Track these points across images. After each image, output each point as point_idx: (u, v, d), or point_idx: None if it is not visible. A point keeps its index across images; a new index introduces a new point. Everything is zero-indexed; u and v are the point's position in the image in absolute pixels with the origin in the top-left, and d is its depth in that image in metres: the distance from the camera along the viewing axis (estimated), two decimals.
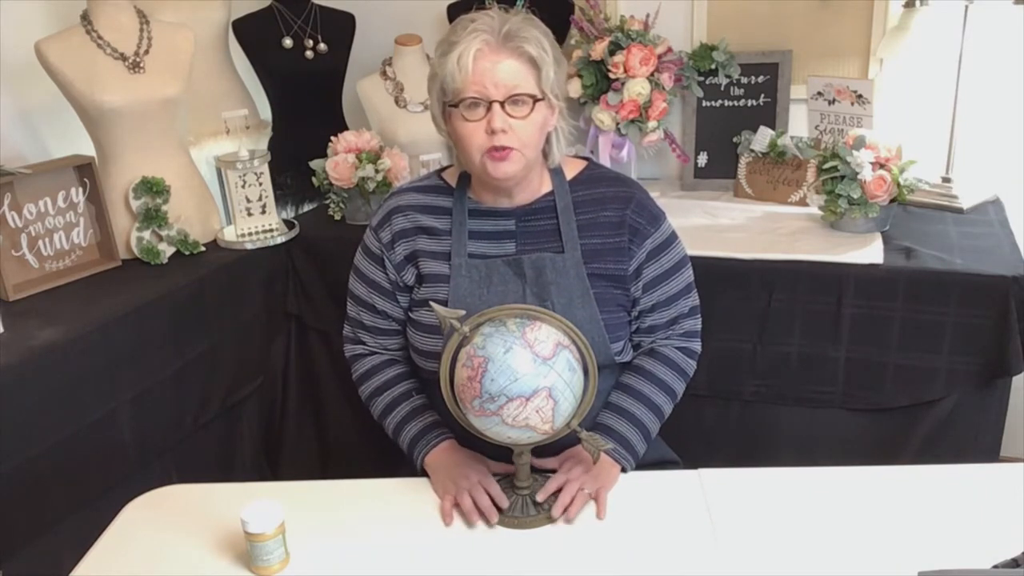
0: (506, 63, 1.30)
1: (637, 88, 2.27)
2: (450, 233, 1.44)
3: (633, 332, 1.48)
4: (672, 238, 1.47)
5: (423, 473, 1.40)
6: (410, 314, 1.48)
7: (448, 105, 1.34)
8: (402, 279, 1.47)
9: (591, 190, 1.45)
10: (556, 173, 1.45)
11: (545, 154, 1.42)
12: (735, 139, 2.42)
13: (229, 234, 2.21)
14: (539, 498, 1.28)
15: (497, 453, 1.34)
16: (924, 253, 1.92)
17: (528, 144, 1.33)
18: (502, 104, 1.30)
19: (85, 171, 1.98)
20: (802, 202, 2.28)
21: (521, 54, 1.31)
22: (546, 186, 1.45)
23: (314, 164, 2.29)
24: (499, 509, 1.28)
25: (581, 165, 1.49)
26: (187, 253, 2.10)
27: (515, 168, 1.34)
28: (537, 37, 1.32)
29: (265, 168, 2.20)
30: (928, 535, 1.19)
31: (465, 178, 1.46)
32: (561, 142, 1.43)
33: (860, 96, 2.29)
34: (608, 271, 1.42)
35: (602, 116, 2.33)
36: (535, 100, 1.32)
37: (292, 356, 2.36)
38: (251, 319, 2.17)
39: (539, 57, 1.32)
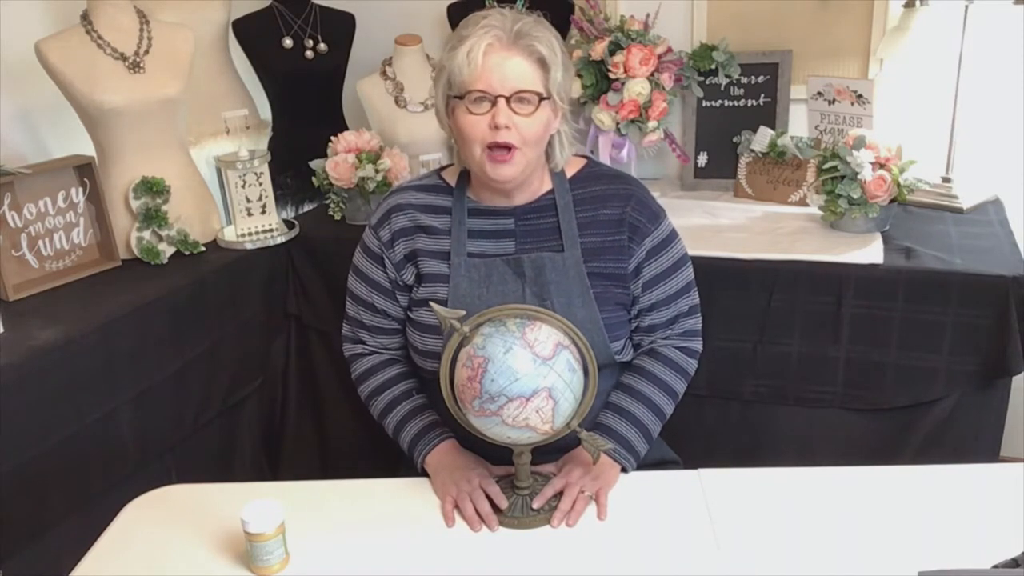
0: (515, 60, 1.31)
1: (637, 88, 2.28)
2: (449, 232, 1.43)
3: (633, 331, 1.48)
4: (672, 236, 1.47)
5: (423, 472, 1.40)
6: (409, 314, 1.48)
7: (453, 97, 1.35)
8: (402, 278, 1.47)
9: (591, 188, 1.45)
10: (557, 172, 1.46)
11: (548, 156, 1.43)
12: (735, 139, 2.42)
13: (229, 234, 2.21)
14: (535, 505, 1.27)
15: (497, 453, 1.34)
16: (924, 253, 1.92)
17: (530, 142, 1.34)
18: (508, 100, 1.30)
19: (85, 171, 1.98)
20: (802, 202, 2.28)
21: (531, 53, 1.32)
22: (546, 185, 1.45)
23: (314, 164, 2.29)
24: (499, 509, 1.28)
25: (581, 163, 1.49)
26: (187, 253, 2.10)
27: (515, 171, 1.34)
28: (548, 39, 1.33)
29: (265, 168, 2.20)
30: (928, 535, 1.19)
31: (464, 177, 1.46)
32: (564, 145, 1.43)
33: (860, 96, 2.29)
34: (608, 270, 1.42)
35: (602, 116, 2.33)
36: (540, 99, 1.33)
37: (292, 356, 2.36)
38: (251, 319, 2.17)
39: (548, 58, 1.33)
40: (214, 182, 2.31)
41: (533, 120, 1.32)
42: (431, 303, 1.24)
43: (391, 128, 2.46)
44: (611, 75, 2.30)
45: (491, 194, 1.43)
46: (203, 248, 2.13)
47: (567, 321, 1.20)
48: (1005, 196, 2.25)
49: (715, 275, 1.90)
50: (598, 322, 1.39)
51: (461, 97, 1.33)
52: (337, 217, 2.31)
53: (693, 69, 2.39)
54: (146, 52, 2.05)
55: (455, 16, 2.57)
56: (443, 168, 1.53)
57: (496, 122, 1.30)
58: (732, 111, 2.44)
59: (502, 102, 1.30)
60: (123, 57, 2.02)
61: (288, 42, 2.51)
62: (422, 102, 2.45)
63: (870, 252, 1.94)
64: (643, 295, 1.45)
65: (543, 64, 1.33)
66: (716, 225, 2.21)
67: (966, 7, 2.07)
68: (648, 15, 2.35)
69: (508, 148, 1.32)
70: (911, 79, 2.32)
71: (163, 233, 2.06)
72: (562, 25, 2.44)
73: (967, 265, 1.86)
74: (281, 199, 2.48)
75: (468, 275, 1.40)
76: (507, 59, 1.30)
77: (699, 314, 1.53)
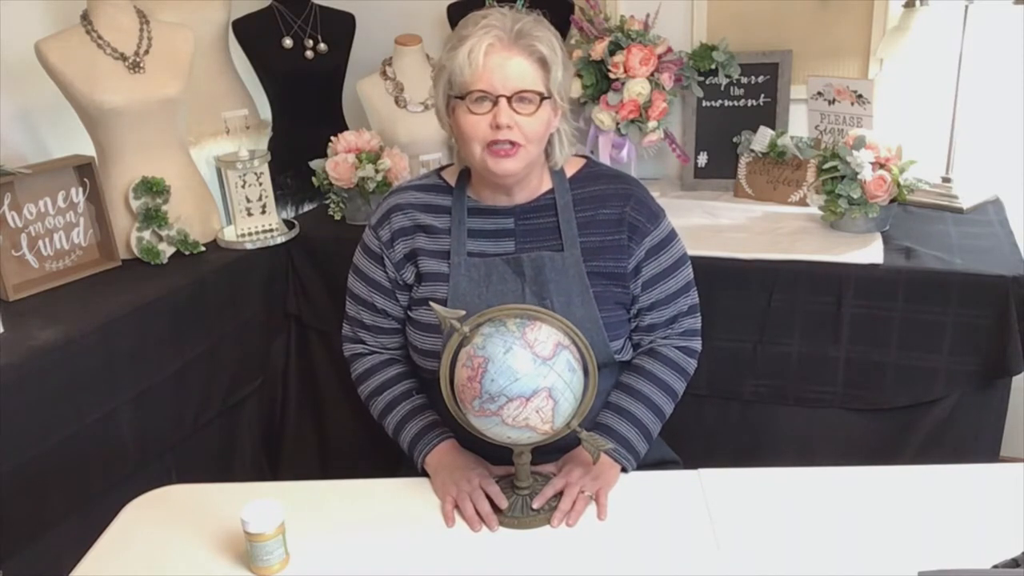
0: (516, 60, 1.31)
1: (637, 88, 2.27)
2: (449, 232, 1.44)
3: (632, 331, 1.48)
4: (671, 236, 1.47)
5: (423, 473, 1.40)
6: (409, 313, 1.48)
7: (454, 97, 1.35)
8: (401, 277, 1.47)
9: (590, 187, 1.45)
10: (556, 171, 1.46)
11: (547, 155, 1.43)
12: (735, 139, 2.42)
13: (229, 234, 2.21)
14: (535, 505, 1.27)
15: (497, 453, 1.34)
16: (924, 253, 1.92)
17: (532, 140, 1.34)
18: (509, 100, 1.31)
19: (85, 171, 1.98)
20: (802, 202, 2.28)
21: (531, 53, 1.32)
22: (546, 184, 1.45)
23: (314, 164, 2.29)
24: (499, 509, 1.28)
25: (580, 163, 1.50)
26: (187, 253, 2.10)
27: (517, 165, 1.35)
28: (548, 38, 1.34)
29: (265, 168, 2.20)
30: (928, 535, 1.19)
31: (464, 176, 1.47)
32: (564, 144, 1.43)
33: (860, 96, 2.29)
34: (607, 269, 1.42)
35: (602, 116, 2.33)
36: (542, 98, 1.33)
37: (292, 356, 2.36)
38: (251, 319, 2.17)
39: (549, 57, 1.33)
40: (214, 182, 2.31)
41: (534, 120, 1.33)
42: (431, 303, 1.24)
43: (391, 128, 2.46)
44: (611, 75, 2.30)
45: (492, 192, 1.44)
46: (203, 248, 2.13)
47: (567, 321, 1.20)
48: (1005, 196, 2.25)
49: (715, 275, 1.90)
50: (597, 321, 1.39)
51: (462, 97, 1.33)
52: (337, 217, 2.31)
53: (693, 69, 2.39)
54: (146, 52, 2.05)
55: (455, 16, 2.57)
56: (443, 168, 1.53)
57: (497, 122, 1.30)
58: (732, 111, 2.44)
59: (503, 102, 1.30)
60: (123, 57, 2.02)
61: (288, 42, 2.51)
62: (422, 102, 2.45)
63: (870, 252, 1.94)
64: (643, 294, 1.45)
65: (544, 64, 1.33)
66: (716, 225, 2.21)
67: (966, 7, 2.07)
68: (648, 15, 2.35)
69: (510, 143, 1.32)
70: (911, 79, 2.32)
71: (163, 233, 2.06)
72: (562, 25, 2.44)
73: (967, 265, 1.86)
74: (281, 199, 2.48)
75: (468, 274, 1.40)
76: (508, 59, 1.31)
77: (698, 314, 1.53)
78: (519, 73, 1.31)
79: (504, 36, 1.31)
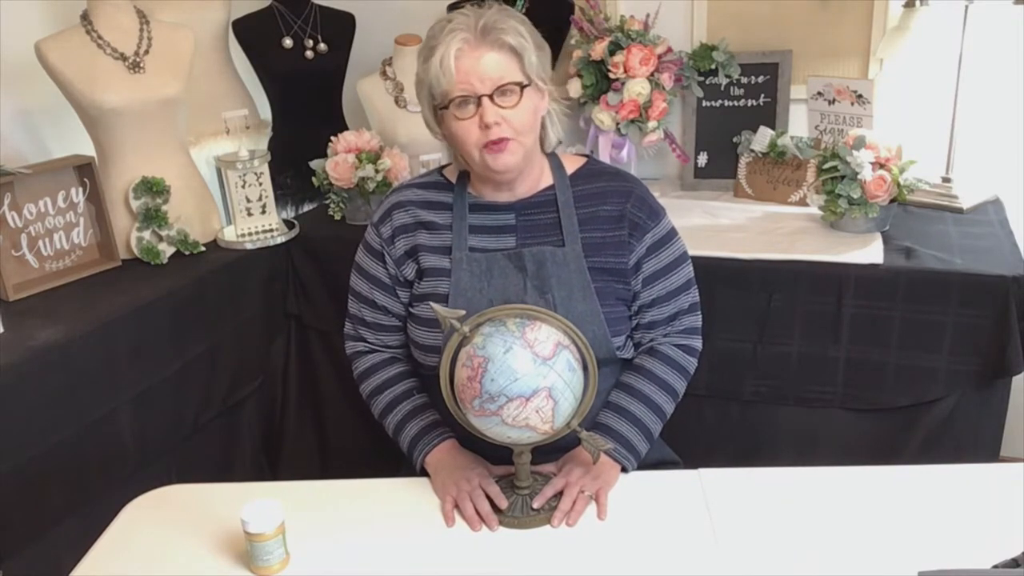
0: (488, 57, 1.32)
1: (637, 88, 2.28)
2: (450, 228, 1.44)
3: (633, 329, 1.48)
4: (672, 234, 1.48)
5: (423, 473, 1.41)
6: (410, 309, 1.48)
7: (439, 108, 1.36)
8: (402, 274, 1.47)
9: (591, 184, 1.46)
10: (557, 167, 1.46)
11: (541, 140, 1.43)
12: (735, 139, 2.42)
13: (229, 234, 2.21)
14: (535, 505, 1.27)
15: (497, 453, 1.34)
16: (924, 253, 1.92)
17: (523, 131, 1.35)
18: (491, 97, 1.31)
19: (85, 171, 1.98)
20: (802, 202, 2.28)
21: (501, 45, 1.33)
22: (546, 179, 1.46)
23: (314, 164, 2.29)
24: (499, 509, 1.28)
25: (581, 161, 1.51)
26: (187, 253, 2.10)
27: (514, 159, 1.35)
28: (514, 26, 1.34)
29: (265, 168, 2.20)
30: (928, 535, 1.19)
31: (465, 173, 1.47)
32: (556, 124, 1.45)
33: (860, 96, 2.29)
34: (608, 265, 1.42)
35: (602, 116, 2.33)
36: (522, 87, 1.34)
37: (292, 356, 2.36)
38: (251, 319, 2.17)
39: (519, 45, 1.34)
40: (214, 182, 2.31)
41: (520, 110, 1.33)
42: (431, 304, 1.24)
43: (391, 128, 2.46)
44: (611, 75, 2.30)
45: (493, 188, 1.44)
46: (203, 248, 2.13)
47: (567, 321, 1.20)
48: (1005, 196, 2.25)
49: (715, 275, 1.90)
50: (599, 315, 1.39)
51: (446, 107, 1.34)
52: (337, 217, 2.31)
53: (693, 69, 2.39)
54: (146, 52, 2.05)
55: None
56: (444, 166, 1.54)
57: (485, 121, 1.31)
58: (732, 111, 2.44)
59: (486, 100, 1.31)
60: (123, 57, 2.02)
61: (288, 42, 2.51)
62: None
63: (870, 252, 1.94)
64: (643, 290, 1.45)
65: (515, 52, 1.34)
66: (716, 225, 2.21)
67: (966, 7, 2.07)
68: (648, 15, 2.35)
69: (502, 138, 1.33)
70: (911, 79, 2.32)
71: (163, 233, 2.06)
72: (562, 25, 2.45)
73: (967, 265, 1.86)
74: (281, 199, 2.48)
75: (469, 269, 1.41)
76: (480, 58, 1.31)
77: (699, 312, 1.53)
78: (493, 68, 1.32)
79: (471, 36, 1.31)
